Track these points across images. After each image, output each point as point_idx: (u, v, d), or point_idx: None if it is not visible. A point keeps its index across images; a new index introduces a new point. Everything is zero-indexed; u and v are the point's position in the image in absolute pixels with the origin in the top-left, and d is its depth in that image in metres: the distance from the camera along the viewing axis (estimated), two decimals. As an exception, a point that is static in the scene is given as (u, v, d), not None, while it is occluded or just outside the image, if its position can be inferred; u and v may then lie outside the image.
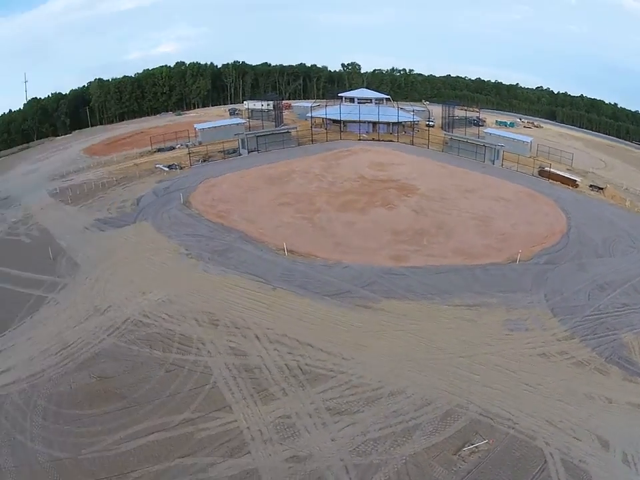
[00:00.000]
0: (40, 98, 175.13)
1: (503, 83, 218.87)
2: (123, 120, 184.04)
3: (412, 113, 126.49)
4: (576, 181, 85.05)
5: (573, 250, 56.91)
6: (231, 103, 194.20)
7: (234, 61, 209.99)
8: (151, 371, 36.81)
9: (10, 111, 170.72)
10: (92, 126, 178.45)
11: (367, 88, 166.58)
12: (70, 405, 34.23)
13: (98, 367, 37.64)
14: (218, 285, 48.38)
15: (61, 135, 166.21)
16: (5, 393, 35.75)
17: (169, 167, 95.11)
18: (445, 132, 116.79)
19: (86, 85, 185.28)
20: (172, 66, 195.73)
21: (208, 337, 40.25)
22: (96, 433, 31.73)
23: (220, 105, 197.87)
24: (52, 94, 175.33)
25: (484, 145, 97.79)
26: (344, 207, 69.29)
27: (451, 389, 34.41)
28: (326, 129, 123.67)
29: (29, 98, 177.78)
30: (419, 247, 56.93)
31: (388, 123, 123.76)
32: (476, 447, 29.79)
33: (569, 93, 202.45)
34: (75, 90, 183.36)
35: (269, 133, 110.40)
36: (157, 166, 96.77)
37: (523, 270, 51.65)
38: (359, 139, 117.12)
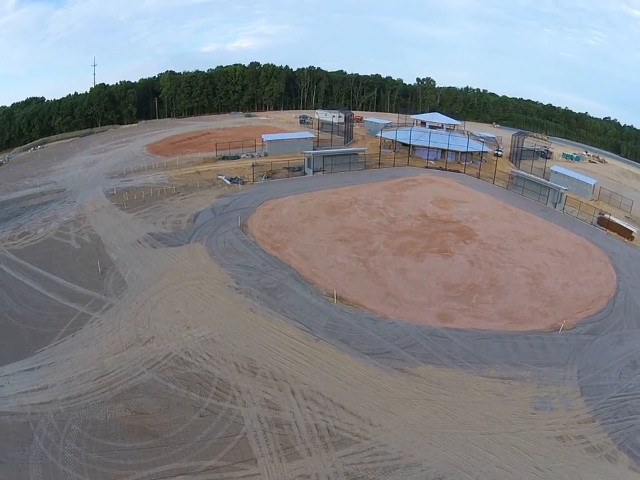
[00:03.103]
0: (108, 84, 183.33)
1: (573, 110, 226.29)
2: (192, 114, 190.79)
3: (482, 142, 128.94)
4: (632, 232, 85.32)
5: (615, 318, 57.23)
6: (303, 108, 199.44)
7: (309, 66, 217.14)
8: (185, 413, 40.01)
9: (76, 93, 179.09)
10: (159, 117, 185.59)
11: (439, 105, 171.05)
12: (104, 435, 37.74)
13: (135, 400, 41.14)
14: (262, 328, 51.08)
15: (127, 124, 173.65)
16: (41, 412, 39.63)
17: (230, 180, 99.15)
18: (512, 166, 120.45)
19: (156, 76, 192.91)
20: (246, 65, 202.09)
21: (245, 385, 43.10)
22: (126, 466, 35.17)
23: (292, 109, 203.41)
24: (121, 82, 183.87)
25: (548, 188, 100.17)
26: (400, 250, 71.35)
27: (464, 466, 36.37)
28: (394, 150, 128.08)
29: (96, 82, 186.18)
30: (467, 305, 58.44)
31: (457, 152, 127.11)
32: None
33: (635, 127, 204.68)
34: (145, 79, 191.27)
35: (336, 154, 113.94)
36: (219, 177, 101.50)
37: (563, 340, 52.49)
38: (426, 166, 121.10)
